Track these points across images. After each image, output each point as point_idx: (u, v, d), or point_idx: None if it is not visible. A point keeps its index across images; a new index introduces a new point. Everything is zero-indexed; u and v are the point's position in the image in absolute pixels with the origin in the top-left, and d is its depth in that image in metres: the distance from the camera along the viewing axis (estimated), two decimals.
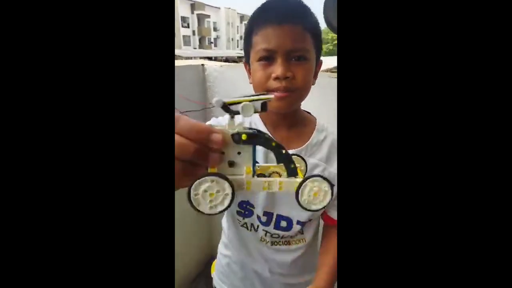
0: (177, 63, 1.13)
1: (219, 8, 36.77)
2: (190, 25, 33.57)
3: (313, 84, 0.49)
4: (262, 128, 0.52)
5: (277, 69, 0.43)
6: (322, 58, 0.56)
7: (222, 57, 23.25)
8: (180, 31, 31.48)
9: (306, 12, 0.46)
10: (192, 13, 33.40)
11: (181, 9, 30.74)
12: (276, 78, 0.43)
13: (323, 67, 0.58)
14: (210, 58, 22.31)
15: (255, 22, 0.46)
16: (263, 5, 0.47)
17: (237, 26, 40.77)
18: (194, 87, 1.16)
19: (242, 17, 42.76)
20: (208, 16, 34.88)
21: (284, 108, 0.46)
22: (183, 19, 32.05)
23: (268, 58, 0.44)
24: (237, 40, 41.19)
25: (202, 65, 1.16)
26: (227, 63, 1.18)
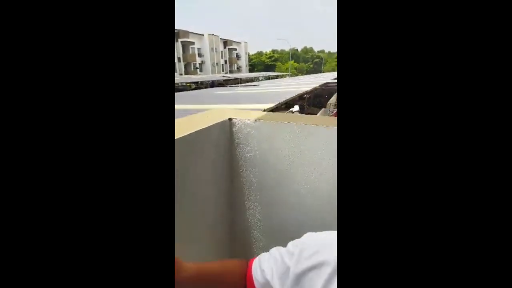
0: (203, 122, 0.83)
1: (202, 34, 37.83)
2: (176, 52, 34.07)
3: None
4: None
5: None
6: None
7: (208, 81, 23.38)
8: None
9: None
10: (177, 41, 34.09)
11: None
12: None
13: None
14: (196, 83, 22.39)
15: None
16: None
17: (221, 51, 41.93)
18: (220, 147, 0.86)
19: (225, 42, 44.16)
20: (193, 43, 35.71)
21: None
22: None
23: None
24: (222, 65, 42.16)
25: (229, 119, 0.87)
26: (267, 112, 0.91)
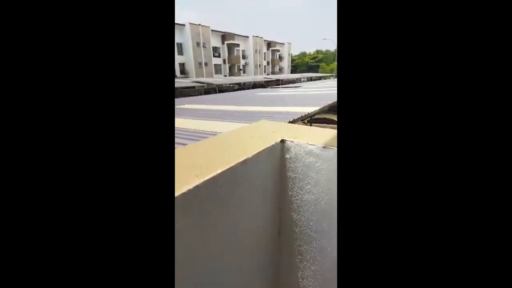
0: (256, 147, 0.60)
1: (247, 36, 38.60)
2: (221, 55, 35.51)
3: None
4: None
5: None
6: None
7: (250, 82, 23.68)
8: (212, 61, 33.41)
9: None
10: (223, 43, 35.47)
11: (213, 40, 32.83)
12: None
13: None
14: (239, 84, 22.90)
15: None
16: None
17: (264, 53, 42.22)
18: (266, 184, 0.62)
19: (269, 44, 44.36)
20: (238, 45, 36.69)
21: None
22: (215, 49, 34.19)
23: None
24: (264, 66, 42.42)
25: (282, 141, 0.62)
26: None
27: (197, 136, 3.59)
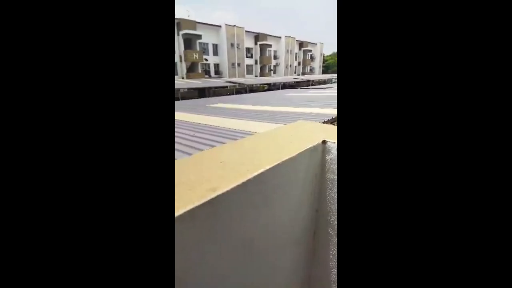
0: (298, 147, 0.62)
1: (280, 37, 38.39)
2: (253, 55, 35.80)
3: None
4: None
5: None
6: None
7: (280, 82, 23.56)
8: (245, 61, 33.87)
9: None
10: (256, 44, 35.72)
11: (246, 40, 33.23)
12: None
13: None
14: (269, 85, 22.88)
15: None
16: None
17: (296, 53, 41.56)
18: (306, 184, 0.62)
19: (301, 44, 43.62)
20: (270, 46, 36.70)
21: None
22: (248, 50, 34.59)
23: None
24: (295, 66, 41.77)
25: (323, 142, 0.62)
26: None
27: (235, 135, 3.69)
